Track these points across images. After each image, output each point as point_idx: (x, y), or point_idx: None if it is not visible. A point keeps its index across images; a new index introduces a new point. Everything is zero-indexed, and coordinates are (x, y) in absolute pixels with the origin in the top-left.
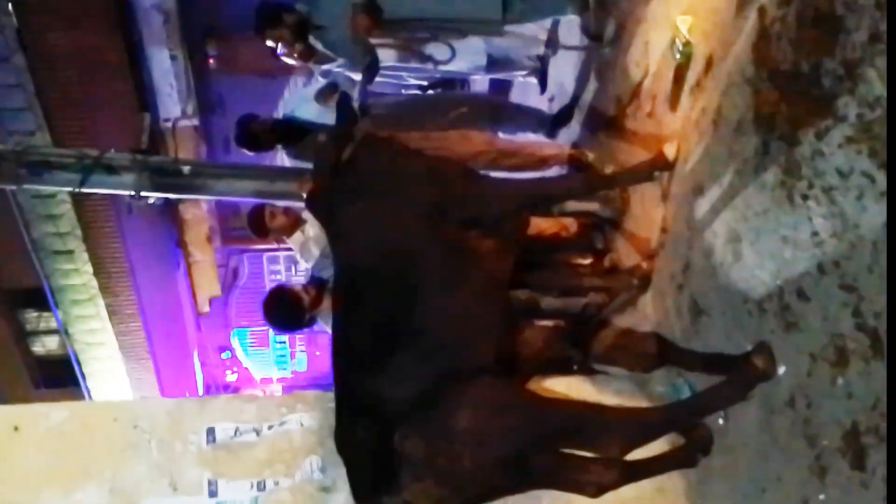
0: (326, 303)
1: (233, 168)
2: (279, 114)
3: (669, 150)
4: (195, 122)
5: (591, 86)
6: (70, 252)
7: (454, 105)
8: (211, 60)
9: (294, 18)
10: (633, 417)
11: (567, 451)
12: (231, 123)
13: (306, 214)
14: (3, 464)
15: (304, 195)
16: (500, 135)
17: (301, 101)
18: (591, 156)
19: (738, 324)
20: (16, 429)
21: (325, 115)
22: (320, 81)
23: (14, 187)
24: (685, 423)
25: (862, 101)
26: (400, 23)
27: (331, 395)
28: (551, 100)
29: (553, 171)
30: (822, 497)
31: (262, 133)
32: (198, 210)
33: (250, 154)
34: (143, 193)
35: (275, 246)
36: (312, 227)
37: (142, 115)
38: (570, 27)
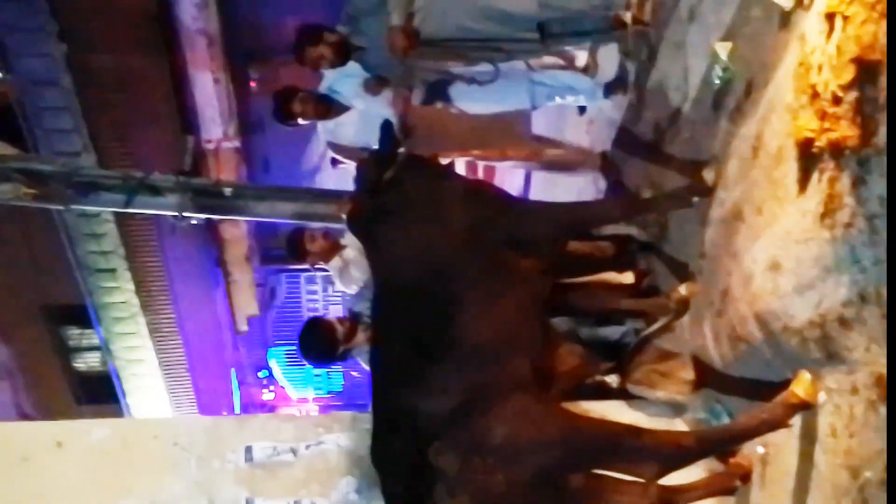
0: (361, 336)
1: (273, 190)
2: (321, 88)
3: (708, 176)
4: (236, 143)
5: (630, 111)
6: (112, 270)
7: None
8: (252, 83)
9: (335, 38)
10: (669, 440)
11: (602, 471)
12: (272, 145)
13: (346, 238)
14: (45, 479)
15: (345, 215)
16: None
17: (341, 76)
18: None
19: (779, 352)
20: (59, 444)
21: (364, 97)
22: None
23: (62, 207)
24: (723, 449)
25: None
26: (438, 43)
27: (367, 416)
28: (590, 123)
29: (586, 177)
30: None
31: (300, 105)
32: (237, 230)
33: (288, 128)
34: (185, 214)
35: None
36: (352, 251)
37: (186, 137)
38: (609, 52)
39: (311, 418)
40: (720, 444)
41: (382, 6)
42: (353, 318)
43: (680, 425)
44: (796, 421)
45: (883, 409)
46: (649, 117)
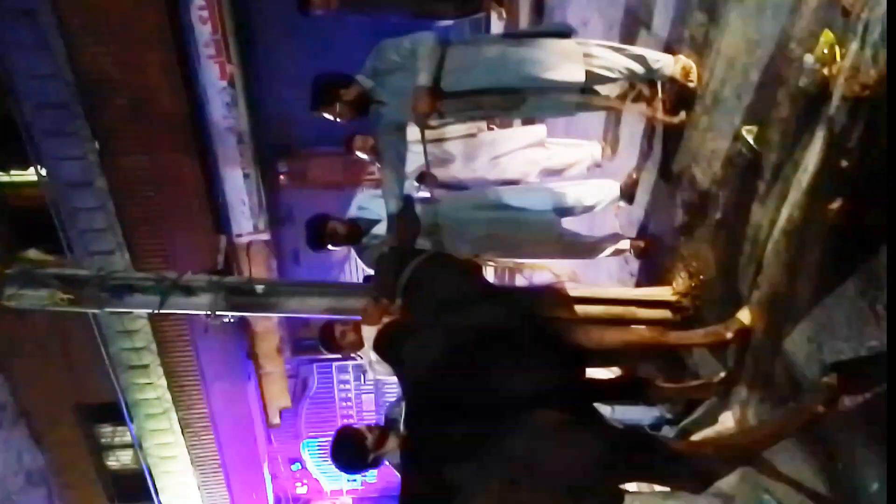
0: (392, 443)
1: (304, 285)
2: (349, 214)
3: (744, 316)
4: (266, 236)
5: (658, 193)
6: (145, 366)
7: None
8: (281, 177)
9: (354, 94)
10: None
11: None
12: (301, 236)
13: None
14: None
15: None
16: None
17: (368, 198)
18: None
19: (826, 438)
20: None
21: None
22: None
23: (98, 311)
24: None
25: None
26: (460, 95)
27: None
28: (618, 208)
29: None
30: None
31: (332, 233)
32: (268, 322)
33: (320, 253)
34: (218, 313)
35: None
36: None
37: (217, 237)
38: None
39: None
40: (761, 446)
41: (410, 63)
42: (386, 426)
43: None
44: None
45: None
46: (678, 200)
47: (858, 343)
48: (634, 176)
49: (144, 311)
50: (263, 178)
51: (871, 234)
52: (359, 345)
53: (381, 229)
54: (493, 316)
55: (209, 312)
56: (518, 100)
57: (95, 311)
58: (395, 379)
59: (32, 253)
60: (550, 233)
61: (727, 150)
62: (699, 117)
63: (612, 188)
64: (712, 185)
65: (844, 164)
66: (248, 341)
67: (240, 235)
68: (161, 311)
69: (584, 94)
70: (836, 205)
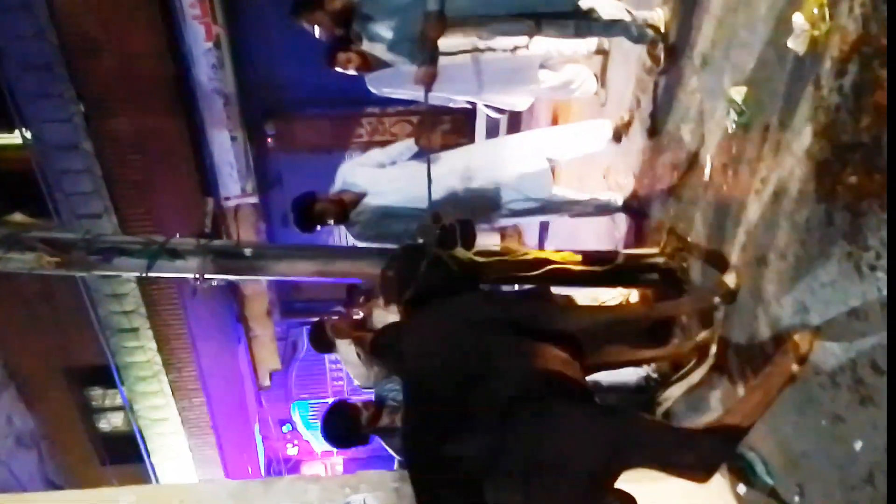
0: (385, 420)
1: (293, 249)
2: (335, 187)
3: (729, 280)
4: (254, 199)
5: (647, 155)
6: (135, 330)
7: None
8: (269, 139)
9: (341, 4)
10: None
11: None
12: (289, 199)
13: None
14: None
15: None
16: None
17: (354, 168)
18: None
19: (811, 398)
20: None
21: (376, 181)
22: (373, 151)
23: (85, 274)
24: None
25: None
26: (464, 21)
27: (394, 474)
28: (608, 170)
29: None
30: None
31: (320, 215)
32: (258, 285)
33: (308, 233)
34: (206, 276)
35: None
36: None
37: (205, 199)
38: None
39: (336, 478)
40: (754, 417)
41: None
42: (378, 403)
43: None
44: (833, 468)
45: None
46: (667, 161)
47: (842, 303)
48: (627, 118)
49: (132, 275)
50: (251, 140)
51: (859, 196)
52: (348, 334)
53: (368, 202)
54: (491, 313)
55: (197, 276)
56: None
57: (83, 274)
58: (368, 387)
59: (18, 216)
60: (543, 190)
61: (715, 110)
62: (688, 77)
63: (606, 127)
64: (700, 146)
65: (832, 124)
66: (237, 304)
67: (227, 199)
68: (149, 275)
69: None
70: (822, 166)
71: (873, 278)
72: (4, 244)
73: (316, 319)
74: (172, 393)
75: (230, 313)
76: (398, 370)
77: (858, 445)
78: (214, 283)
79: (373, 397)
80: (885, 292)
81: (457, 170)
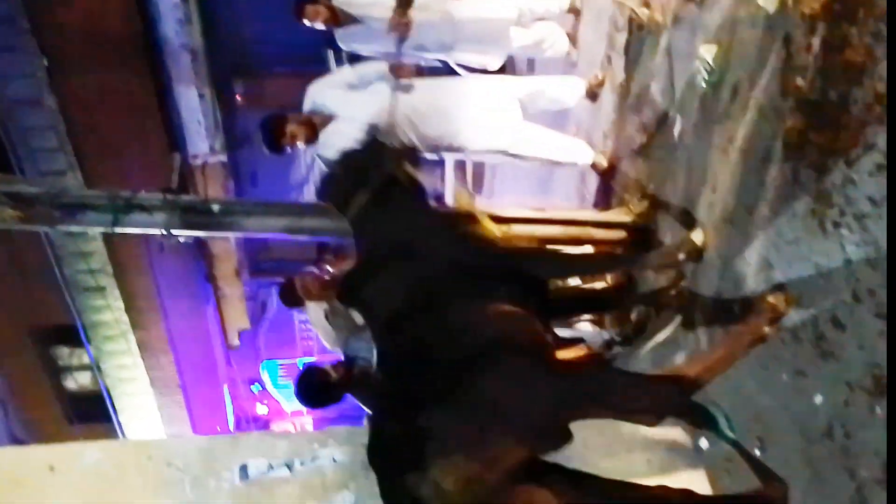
0: (356, 378)
1: (262, 205)
2: (305, 107)
3: (697, 238)
4: (223, 157)
5: (618, 114)
6: (102, 289)
7: None
8: (238, 97)
9: None
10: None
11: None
12: (258, 158)
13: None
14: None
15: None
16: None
17: (323, 88)
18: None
19: (773, 353)
20: (51, 469)
21: (349, 102)
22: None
23: (49, 229)
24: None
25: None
26: None
27: (363, 430)
28: (577, 128)
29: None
30: None
31: (291, 136)
32: (226, 245)
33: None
34: (174, 232)
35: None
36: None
37: (172, 155)
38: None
39: (305, 434)
40: (715, 371)
41: None
42: (347, 361)
43: (677, 432)
44: (794, 422)
45: (878, 408)
46: (637, 120)
47: (806, 260)
48: (600, 76)
49: (98, 231)
50: (220, 98)
51: (825, 154)
52: (322, 293)
53: (337, 125)
54: (449, 253)
55: (164, 231)
56: None
57: (46, 229)
58: (337, 349)
59: None
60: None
61: (686, 70)
62: (659, 35)
63: (578, 84)
64: (670, 105)
65: (800, 82)
66: (206, 264)
67: (195, 157)
68: (115, 230)
69: None
70: (790, 124)
71: (837, 235)
72: None
73: (285, 280)
74: (140, 352)
75: (198, 273)
76: (366, 318)
77: (819, 399)
78: (182, 240)
79: (342, 357)
80: (848, 249)
81: (426, 100)
